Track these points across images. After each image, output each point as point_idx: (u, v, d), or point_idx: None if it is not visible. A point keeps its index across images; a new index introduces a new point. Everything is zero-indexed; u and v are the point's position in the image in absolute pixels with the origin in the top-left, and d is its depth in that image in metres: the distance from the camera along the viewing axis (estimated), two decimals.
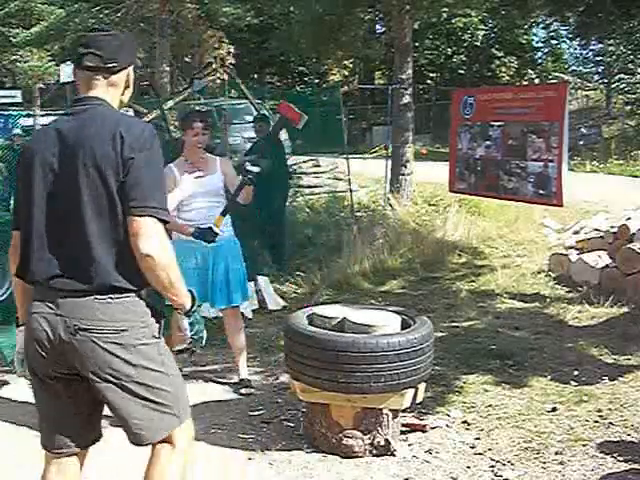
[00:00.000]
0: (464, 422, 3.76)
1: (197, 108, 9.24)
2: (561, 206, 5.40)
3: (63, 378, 2.15)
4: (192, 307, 2.23)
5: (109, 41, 2.19)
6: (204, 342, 2.37)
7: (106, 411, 2.26)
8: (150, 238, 2.03)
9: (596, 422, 3.67)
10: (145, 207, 2.03)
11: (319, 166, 12.55)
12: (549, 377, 4.32)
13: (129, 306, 2.09)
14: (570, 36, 24.68)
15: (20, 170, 2.19)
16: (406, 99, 9.61)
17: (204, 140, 4.24)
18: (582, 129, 20.55)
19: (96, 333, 2.04)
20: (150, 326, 2.15)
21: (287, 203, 8.53)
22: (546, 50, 30.71)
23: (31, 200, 2.11)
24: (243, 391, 4.35)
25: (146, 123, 2.24)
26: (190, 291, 2.23)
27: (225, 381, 4.48)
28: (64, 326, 2.05)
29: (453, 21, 25.30)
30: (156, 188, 2.09)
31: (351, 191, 9.67)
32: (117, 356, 2.06)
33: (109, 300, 2.06)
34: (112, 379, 2.07)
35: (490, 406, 3.94)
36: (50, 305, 2.07)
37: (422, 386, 3.50)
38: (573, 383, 4.21)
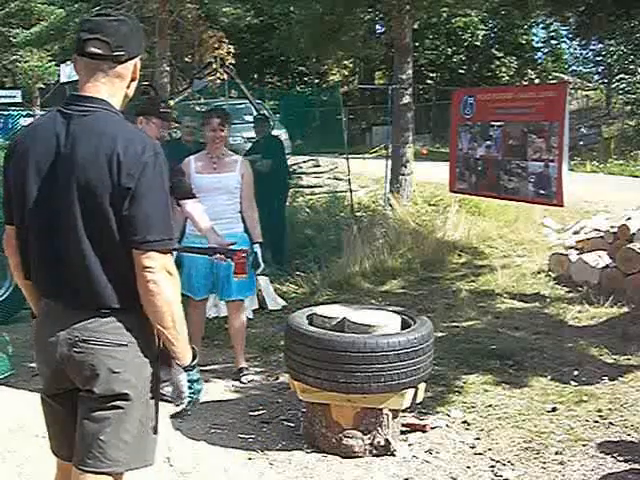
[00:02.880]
0: (464, 422, 3.76)
1: (197, 108, 9.26)
2: (561, 206, 5.41)
3: (61, 395, 2.08)
4: (192, 362, 2.08)
5: (117, 27, 1.98)
6: (200, 397, 2.17)
7: None
8: (156, 272, 1.94)
9: (596, 422, 3.67)
10: (148, 242, 1.92)
11: (319, 166, 12.58)
12: (549, 377, 4.32)
13: (132, 322, 2.00)
14: (570, 36, 24.68)
15: (12, 166, 2.03)
16: (406, 99, 9.60)
17: (221, 136, 4.40)
18: (582, 129, 20.56)
19: (96, 345, 1.96)
20: (151, 348, 2.05)
21: (287, 203, 8.54)
22: (546, 50, 30.70)
23: (25, 208, 2.00)
24: (244, 379, 4.42)
25: (147, 137, 2.02)
26: (192, 347, 2.09)
27: (225, 381, 4.48)
28: (65, 339, 1.98)
29: (453, 21, 25.27)
30: (159, 217, 1.95)
31: (351, 191, 9.67)
32: (113, 371, 1.97)
33: (111, 316, 1.98)
34: (101, 392, 1.97)
35: (490, 406, 3.94)
36: (54, 319, 2.01)
37: (422, 386, 3.50)
38: (573, 383, 4.22)
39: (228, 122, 4.47)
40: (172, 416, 2.23)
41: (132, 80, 2.07)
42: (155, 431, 2.12)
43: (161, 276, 1.95)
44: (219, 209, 4.29)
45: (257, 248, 4.37)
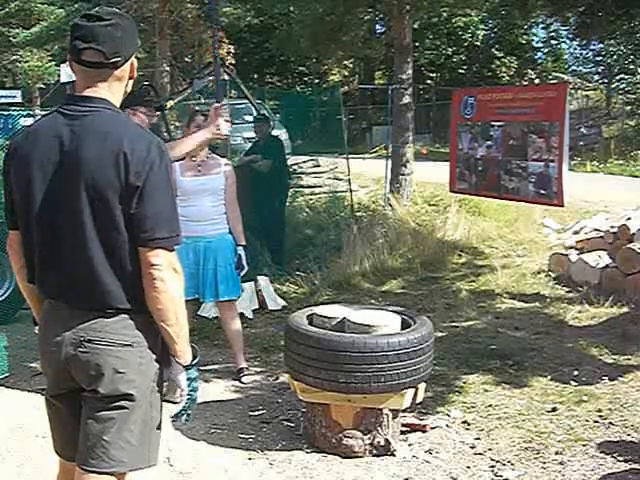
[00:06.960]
0: (464, 422, 3.76)
1: (197, 108, 9.24)
2: (562, 206, 5.42)
3: (65, 395, 2.08)
4: (192, 361, 2.10)
5: (110, 33, 1.95)
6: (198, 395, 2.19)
7: None
8: (163, 270, 1.95)
9: (596, 422, 3.67)
10: (156, 239, 1.93)
11: (319, 166, 12.56)
12: (549, 377, 4.32)
13: (137, 322, 2.00)
14: (570, 36, 24.67)
15: (14, 170, 2.01)
16: (406, 99, 9.60)
17: None
18: (582, 129, 20.51)
19: (101, 345, 1.96)
20: (155, 349, 2.05)
21: (287, 203, 8.54)
22: (546, 50, 30.67)
23: (29, 210, 1.99)
24: (244, 379, 4.43)
25: (152, 136, 2.01)
26: (192, 346, 2.11)
27: (225, 381, 4.48)
28: (70, 339, 1.97)
29: (453, 21, 25.26)
30: (166, 214, 1.96)
31: (351, 191, 9.67)
32: (118, 371, 1.97)
33: (117, 316, 1.98)
34: (106, 392, 1.97)
35: (490, 406, 3.94)
36: (59, 320, 2.00)
37: (422, 386, 3.50)
38: (573, 383, 4.22)
39: None
40: (172, 417, 2.22)
41: (130, 79, 2.08)
42: (158, 432, 2.12)
43: (168, 274, 1.96)
44: (205, 211, 4.33)
45: (241, 251, 4.40)
